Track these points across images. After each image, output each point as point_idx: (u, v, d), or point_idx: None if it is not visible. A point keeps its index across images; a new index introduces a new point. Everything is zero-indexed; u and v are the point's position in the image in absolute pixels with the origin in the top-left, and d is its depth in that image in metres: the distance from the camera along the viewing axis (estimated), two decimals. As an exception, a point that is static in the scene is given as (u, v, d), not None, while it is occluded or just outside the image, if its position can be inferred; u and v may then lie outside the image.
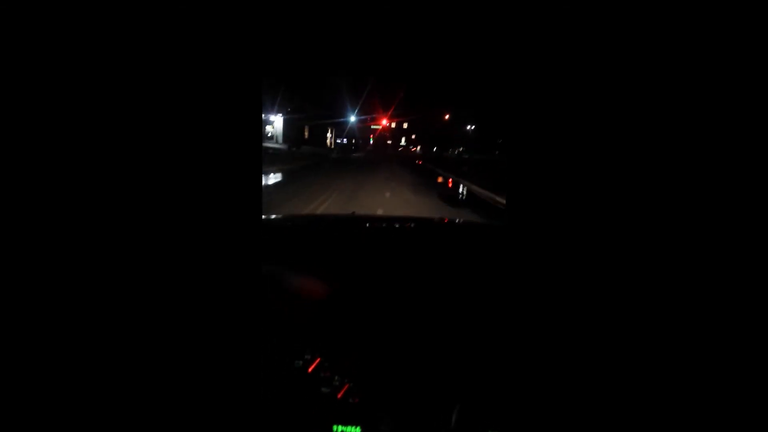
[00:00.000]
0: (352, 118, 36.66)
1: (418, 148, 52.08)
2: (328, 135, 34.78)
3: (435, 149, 46.28)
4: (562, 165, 0.48)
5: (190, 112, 0.43)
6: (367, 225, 1.57)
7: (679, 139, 0.42)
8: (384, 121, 46.45)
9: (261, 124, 0.48)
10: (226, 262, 0.45)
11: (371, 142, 48.17)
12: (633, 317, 0.44)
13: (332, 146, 34.87)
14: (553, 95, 0.48)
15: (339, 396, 0.62)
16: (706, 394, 0.41)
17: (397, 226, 1.58)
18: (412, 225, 1.59)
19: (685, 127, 0.42)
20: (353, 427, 0.60)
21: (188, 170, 0.43)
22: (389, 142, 51.95)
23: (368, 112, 42.87)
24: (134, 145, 0.41)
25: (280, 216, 1.64)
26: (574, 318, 0.47)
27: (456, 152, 40.56)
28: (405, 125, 53.54)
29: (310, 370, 0.64)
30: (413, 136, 54.32)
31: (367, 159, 23.68)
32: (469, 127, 42.06)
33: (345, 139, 38.47)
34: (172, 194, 0.43)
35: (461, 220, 2.58)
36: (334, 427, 0.59)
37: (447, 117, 42.00)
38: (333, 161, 19.50)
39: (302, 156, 18.71)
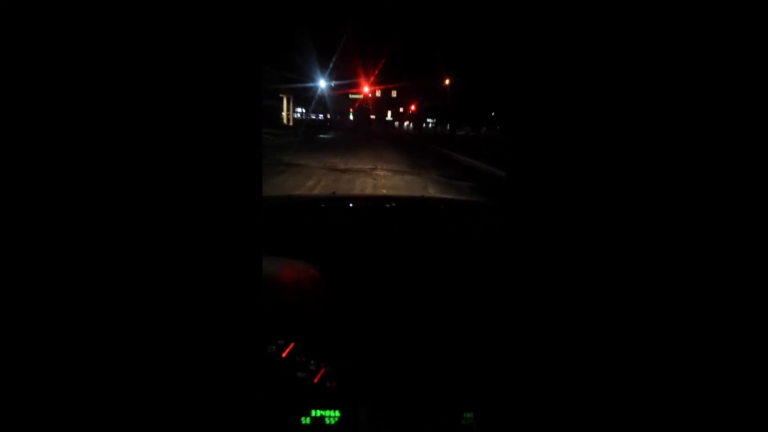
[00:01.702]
0: (323, 84, 26.16)
1: (409, 123, 42.09)
2: (285, 108, 23.57)
3: (432, 125, 36.43)
4: (565, 146, 0.46)
5: (183, 101, 0.42)
6: (350, 205, 1.46)
7: (681, 127, 0.41)
8: (366, 89, 36.04)
9: (260, 107, 0.46)
10: (228, 250, 0.44)
11: (351, 116, 37.57)
12: (633, 315, 0.43)
13: (290, 123, 23.63)
14: (557, 71, 0.46)
15: (315, 380, 0.62)
16: (704, 396, 0.40)
17: (376, 204, 1.51)
18: (394, 204, 1.48)
19: (687, 113, 0.41)
20: (332, 411, 0.60)
21: (185, 161, 0.42)
22: (373, 116, 41.49)
23: (345, 76, 32.36)
24: (132, 136, 0.40)
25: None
26: (572, 313, 0.45)
27: (449, 129, 30.87)
28: (393, 93, 43.18)
29: (284, 355, 0.63)
30: (401, 109, 44.07)
31: (345, 144, 13.76)
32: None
33: (313, 114, 27.57)
34: (172, 186, 0.42)
35: (458, 199, 2.15)
36: (313, 412, 0.60)
37: (447, 83, 31.99)
38: (280, 151, 9.52)
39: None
